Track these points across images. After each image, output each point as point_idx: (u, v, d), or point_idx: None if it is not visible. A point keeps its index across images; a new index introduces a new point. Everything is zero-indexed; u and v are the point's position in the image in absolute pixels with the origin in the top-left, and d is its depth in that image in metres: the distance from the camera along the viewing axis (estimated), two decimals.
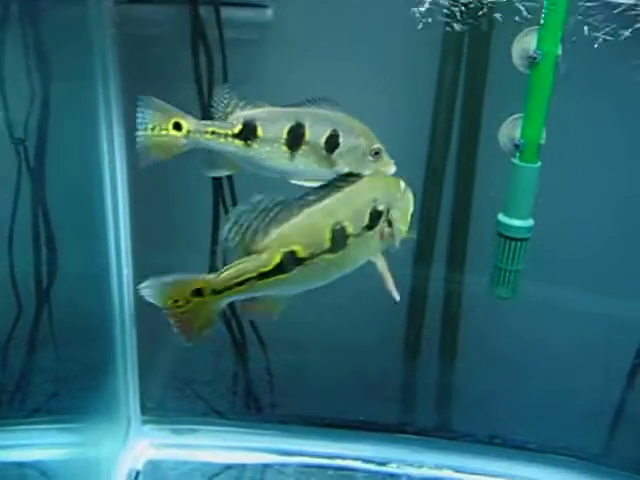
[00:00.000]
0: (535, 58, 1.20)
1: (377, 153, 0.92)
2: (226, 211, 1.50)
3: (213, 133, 0.89)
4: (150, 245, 1.51)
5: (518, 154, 1.25)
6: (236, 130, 0.89)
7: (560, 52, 1.19)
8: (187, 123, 0.89)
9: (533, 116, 1.23)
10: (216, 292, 0.79)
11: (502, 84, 1.36)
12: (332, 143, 0.90)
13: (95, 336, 1.48)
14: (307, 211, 0.83)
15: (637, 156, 1.42)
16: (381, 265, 0.88)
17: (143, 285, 0.81)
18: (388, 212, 0.87)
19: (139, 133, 0.89)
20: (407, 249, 1.44)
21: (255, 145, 0.89)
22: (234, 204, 1.47)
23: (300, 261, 0.79)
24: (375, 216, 0.86)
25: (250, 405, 1.60)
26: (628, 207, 1.46)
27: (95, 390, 1.48)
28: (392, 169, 0.94)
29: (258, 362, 1.59)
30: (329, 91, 1.41)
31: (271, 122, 0.89)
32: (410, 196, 0.92)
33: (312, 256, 0.80)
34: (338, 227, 0.82)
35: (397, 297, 0.88)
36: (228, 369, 1.59)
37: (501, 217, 1.29)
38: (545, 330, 1.54)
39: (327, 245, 0.81)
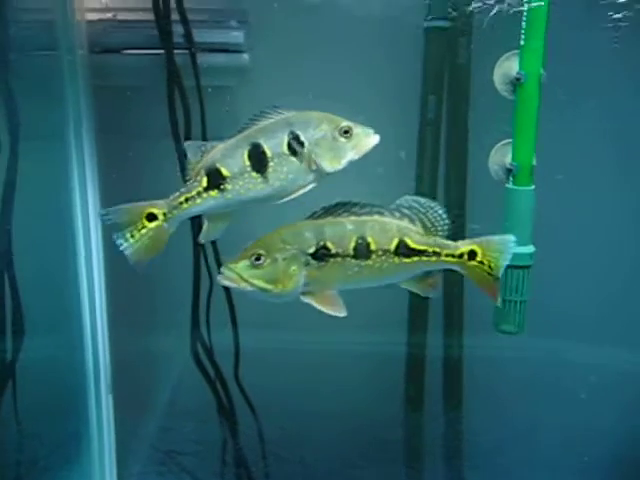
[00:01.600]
0: (519, 79, 1.18)
1: (347, 132, 0.87)
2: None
3: (187, 200, 0.87)
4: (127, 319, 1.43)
5: (512, 178, 1.21)
6: (204, 184, 0.87)
7: (543, 71, 1.18)
8: (159, 209, 0.87)
9: (523, 137, 1.20)
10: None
11: (485, 111, 1.33)
12: (296, 144, 0.86)
13: (67, 409, 1.35)
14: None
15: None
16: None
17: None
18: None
19: (121, 246, 0.88)
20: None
21: (228, 186, 0.86)
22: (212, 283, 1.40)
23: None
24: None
25: (242, 477, 1.45)
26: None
27: (66, 472, 1.34)
28: (374, 139, 0.88)
29: (248, 428, 1.45)
30: None
31: (229, 157, 0.87)
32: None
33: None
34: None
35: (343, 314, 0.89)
36: (215, 438, 1.45)
37: None
38: (549, 381, 1.47)
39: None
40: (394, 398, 1.48)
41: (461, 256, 0.96)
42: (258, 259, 0.85)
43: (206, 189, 0.87)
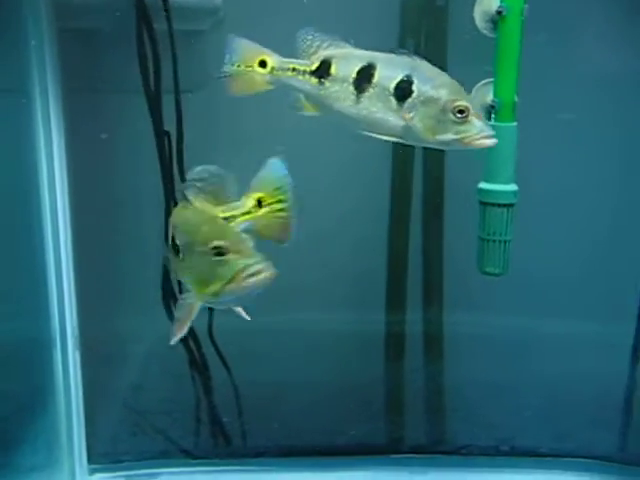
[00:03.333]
0: (501, 13, 1.17)
1: (462, 112, 0.77)
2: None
3: (293, 70, 0.90)
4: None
5: (494, 115, 1.20)
6: (313, 67, 0.88)
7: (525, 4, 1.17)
8: (272, 60, 0.91)
9: (505, 73, 1.19)
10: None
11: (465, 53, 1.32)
12: (403, 90, 0.80)
13: (30, 365, 1.28)
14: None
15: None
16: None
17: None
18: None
19: (225, 68, 0.93)
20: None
21: (327, 83, 0.87)
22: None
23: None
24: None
25: (217, 436, 1.40)
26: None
27: (31, 434, 1.27)
28: (488, 142, 0.79)
29: (223, 385, 1.40)
30: None
31: (345, 61, 0.86)
32: None
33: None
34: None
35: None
36: (189, 396, 1.40)
37: (482, 184, 1.22)
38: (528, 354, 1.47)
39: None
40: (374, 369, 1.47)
41: None
42: None
43: (312, 73, 0.88)
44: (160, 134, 1.36)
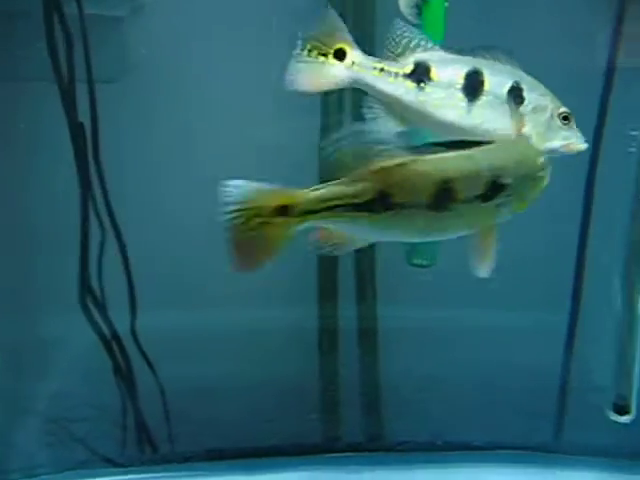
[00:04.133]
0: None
1: (566, 118, 0.78)
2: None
3: (382, 70, 0.78)
4: None
5: None
6: (407, 70, 0.78)
7: None
8: (352, 53, 0.78)
9: None
10: (301, 213, 0.72)
11: None
12: (515, 97, 0.77)
13: None
14: (417, 159, 0.70)
15: None
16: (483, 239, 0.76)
17: (230, 183, 0.74)
18: (515, 187, 0.73)
19: (296, 53, 0.79)
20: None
21: (428, 89, 0.77)
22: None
23: (394, 206, 0.69)
24: (493, 187, 0.72)
25: (143, 443, 1.34)
26: None
27: None
28: (583, 146, 0.79)
29: (149, 388, 1.34)
30: (214, 66, 1.35)
31: (446, 65, 0.79)
32: (547, 173, 0.78)
33: (410, 205, 0.70)
34: (444, 185, 0.70)
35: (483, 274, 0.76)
36: (112, 400, 1.33)
37: None
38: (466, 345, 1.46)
39: (428, 200, 0.70)
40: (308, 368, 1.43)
41: None
42: None
43: (406, 76, 0.78)
44: (74, 126, 1.29)
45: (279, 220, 0.73)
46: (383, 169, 0.70)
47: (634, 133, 1.19)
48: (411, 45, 0.81)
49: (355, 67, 0.78)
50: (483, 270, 0.76)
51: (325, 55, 0.78)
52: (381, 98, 0.78)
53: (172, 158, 1.35)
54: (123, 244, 1.31)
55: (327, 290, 1.41)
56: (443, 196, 0.71)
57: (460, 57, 0.81)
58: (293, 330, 1.43)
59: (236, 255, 0.77)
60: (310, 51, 0.78)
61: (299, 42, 0.80)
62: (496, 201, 0.73)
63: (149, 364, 1.33)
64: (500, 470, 1.39)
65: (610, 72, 1.27)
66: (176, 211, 1.35)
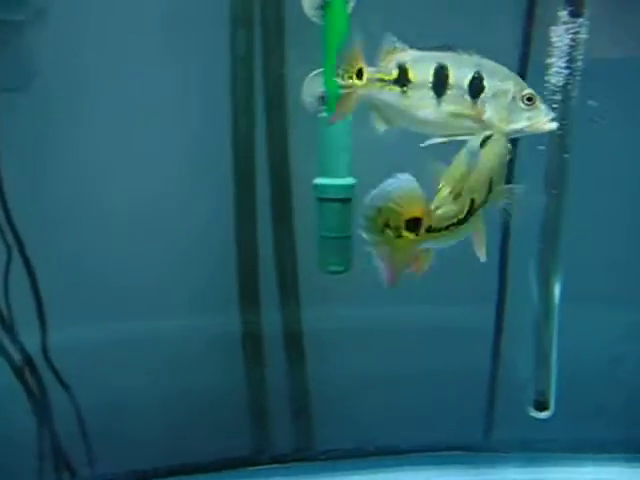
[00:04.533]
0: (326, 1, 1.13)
1: (530, 99, 0.80)
2: None
3: (381, 80, 0.82)
4: None
5: (325, 107, 1.15)
6: (394, 75, 0.81)
7: None
8: (367, 70, 0.81)
9: (333, 62, 1.14)
10: (428, 230, 0.76)
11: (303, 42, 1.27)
12: (476, 87, 0.80)
13: None
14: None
15: None
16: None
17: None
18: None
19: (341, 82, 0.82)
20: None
21: (409, 92, 0.81)
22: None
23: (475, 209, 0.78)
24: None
25: (61, 468, 1.29)
26: None
27: None
28: (551, 125, 0.81)
29: (64, 409, 1.29)
30: (115, 71, 1.31)
31: (418, 64, 0.81)
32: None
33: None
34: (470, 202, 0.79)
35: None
36: (27, 426, 1.28)
37: (318, 180, 1.18)
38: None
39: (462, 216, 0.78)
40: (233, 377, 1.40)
41: None
42: None
43: (395, 81, 0.81)
44: None
45: (409, 236, 0.76)
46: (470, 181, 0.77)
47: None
48: (387, 48, 0.83)
49: (369, 84, 0.82)
50: (483, 255, 0.82)
51: (350, 77, 0.82)
52: (378, 104, 0.82)
53: (76, 168, 1.31)
54: (27, 259, 1.25)
55: (248, 295, 1.38)
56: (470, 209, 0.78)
57: (427, 53, 0.83)
58: (215, 338, 1.39)
59: (387, 268, 0.79)
60: (342, 77, 0.83)
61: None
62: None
63: (63, 385, 1.28)
64: (431, 472, 1.38)
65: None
66: (82, 223, 1.30)
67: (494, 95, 0.80)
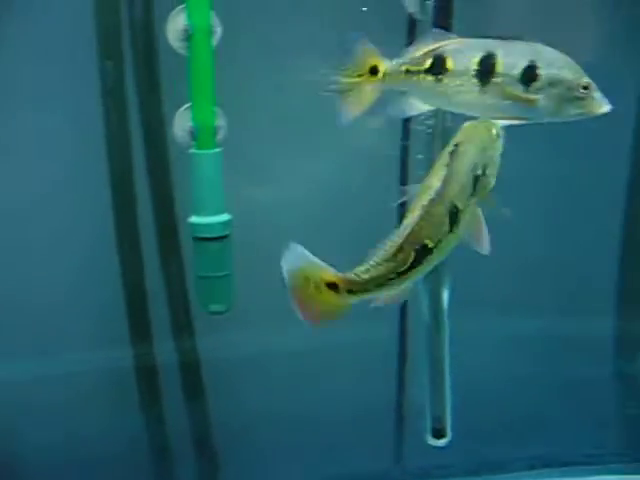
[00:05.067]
0: (188, 32, 1.09)
1: (586, 88, 0.83)
2: None
3: (407, 72, 0.85)
4: None
5: (194, 142, 1.12)
6: (427, 65, 0.84)
7: (213, 22, 1.10)
8: (383, 65, 0.84)
9: (201, 96, 1.11)
10: (351, 292, 0.79)
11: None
12: (529, 75, 0.82)
13: None
14: (424, 201, 0.80)
15: None
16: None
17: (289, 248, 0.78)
18: (484, 172, 0.83)
19: (337, 78, 0.84)
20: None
21: (445, 80, 0.83)
22: None
23: (430, 251, 0.80)
24: (475, 182, 0.82)
25: None
26: None
27: None
28: (606, 108, 0.83)
29: None
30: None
31: (460, 53, 0.84)
32: (500, 143, 0.85)
33: (438, 243, 0.80)
34: (454, 210, 0.80)
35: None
36: None
37: (192, 218, 1.14)
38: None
39: (447, 228, 0.81)
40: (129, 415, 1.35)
41: None
42: None
43: (426, 71, 0.84)
44: None
45: (331, 293, 0.79)
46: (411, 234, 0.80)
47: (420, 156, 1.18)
48: (425, 40, 0.86)
49: (387, 77, 0.85)
50: (486, 248, 0.83)
51: (361, 74, 0.84)
52: (409, 89, 0.86)
53: None
54: None
55: (140, 328, 1.32)
56: (454, 216, 0.80)
57: (477, 41, 0.85)
58: (107, 375, 1.34)
59: (301, 311, 0.80)
60: (349, 75, 0.84)
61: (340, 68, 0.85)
62: (477, 190, 0.82)
63: None
64: None
65: None
66: None
67: (550, 84, 0.82)
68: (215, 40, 1.12)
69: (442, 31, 0.86)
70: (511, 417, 1.41)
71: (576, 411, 1.45)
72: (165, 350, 1.35)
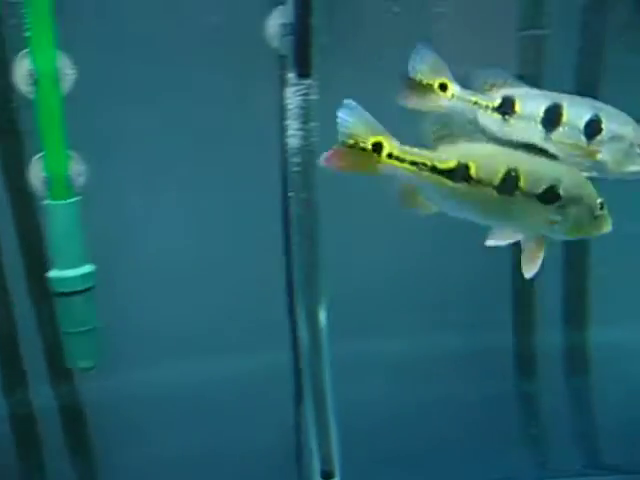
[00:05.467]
0: (33, 77, 1.04)
1: None
2: None
3: (475, 103, 0.90)
4: None
5: (48, 192, 1.07)
6: (496, 103, 0.89)
7: (63, 65, 1.05)
8: (453, 86, 0.90)
9: (51, 144, 1.06)
10: (388, 155, 0.83)
11: None
12: (593, 128, 0.86)
13: None
14: (497, 147, 0.85)
15: None
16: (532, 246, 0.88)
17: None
18: (565, 202, 0.85)
19: (411, 75, 0.89)
20: None
21: (512, 120, 0.88)
22: None
23: (469, 179, 0.83)
24: (550, 195, 0.84)
25: None
26: None
27: None
28: None
29: None
30: None
31: (529, 99, 0.89)
32: (606, 216, 0.88)
33: (481, 182, 0.83)
34: (512, 174, 0.83)
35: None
36: None
37: (52, 273, 1.09)
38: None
39: (497, 182, 0.83)
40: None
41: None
42: None
43: (495, 109, 0.89)
44: None
45: (368, 153, 0.83)
46: (464, 145, 0.84)
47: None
48: (498, 82, 0.90)
49: (455, 99, 0.90)
50: (529, 273, 0.87)
51: (432, 85, 0.90)
52: (473, 126, 0.89)
53: None
54: None
55: (14, 377, 1.24)
56: (509, 182, 0.83)
57: (544, 92, 0.90)
58: None
59: (334, 152, 0.83)
60: (419, 82, 0.89)
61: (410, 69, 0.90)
62: (551, 210, 0.85)
63: None
64: None
65: None
66: None
67: (612, 138, 0.86)
68: (66, 84, 1.08)
69: (504, 72, 0.91)
70: (408, 445, 1.40)
71: (477, 433, 1.47)
72: (44, 397, 1.27)
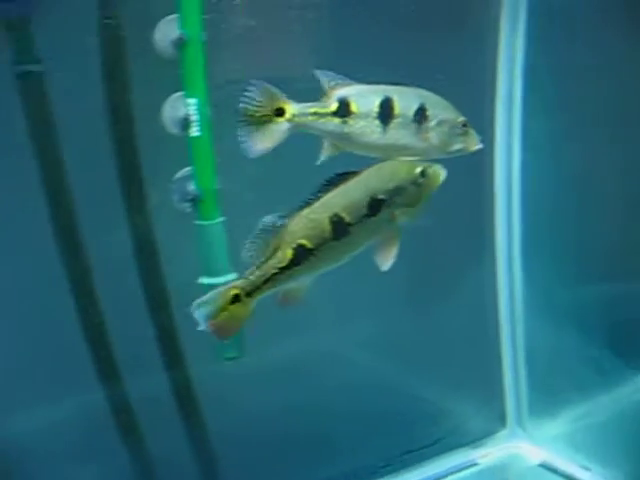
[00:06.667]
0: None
1: (464, 125, 0.97)
2: None
3: (315, 114, 0.94)
4: None
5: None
6: (333, 108, 0.94)
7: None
8: (290, 108, 0.93)
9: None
10: (249, 294, 0.94)
11: None
12: (420, 116, 0.95)
13: None
14: (307, 210, 0.95)
15: None
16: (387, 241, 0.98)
17: (199, 302, 0.93)
18: (392, 199, 0.96)
19: (242, 119, 0.92)
20: None
21: (351, 121, 0.94)
22: None
23: (310, 252, 0.94)
24: (375, 204, 0.95)
25: None
26: None
27: None
28: (478, 145, 0.98)
29: None
30: None
31: (362, 98, 0.95)
32: (429, 180, 0.98)
33: (318, 246, 0.94)
34: (335, 219, 0.94)
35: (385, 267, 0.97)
36: None
37: (204, 279, 1.28)
38: None
39: (329, 235, 0.95)
40: None
41: None
42: None
43: (333, 114, 0.94)
44: None
45: (235, 306, 0.94)
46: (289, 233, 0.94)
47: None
48: (330, 84, 0.95)
49: (295, 119, 0.93)
50: (386, 265, 0.97)
51: (268, 115, 0.93)
52: (320, 134, 0.95)
53: None
54: None
55: None
56: (339, 227, 0.95)
57: (374, 87, 0.96)
58: None
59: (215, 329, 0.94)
60: (253, 116, 0.92)
61: (240, 113, 0.93)
62: (383, 213, 0.96)
63: None
64: None
65: None
66: None
67: (438, 123, 0.96)
68: None
69: (332, 74, 0.95)
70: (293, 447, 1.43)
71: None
72: None
